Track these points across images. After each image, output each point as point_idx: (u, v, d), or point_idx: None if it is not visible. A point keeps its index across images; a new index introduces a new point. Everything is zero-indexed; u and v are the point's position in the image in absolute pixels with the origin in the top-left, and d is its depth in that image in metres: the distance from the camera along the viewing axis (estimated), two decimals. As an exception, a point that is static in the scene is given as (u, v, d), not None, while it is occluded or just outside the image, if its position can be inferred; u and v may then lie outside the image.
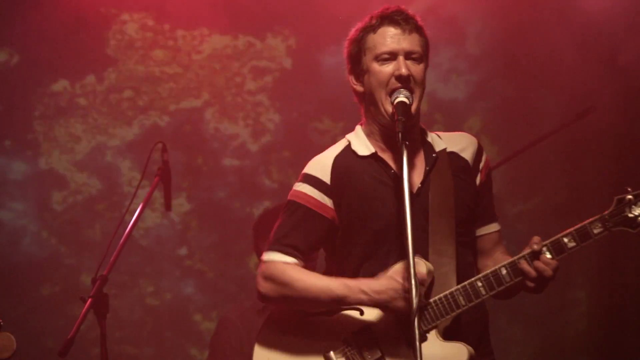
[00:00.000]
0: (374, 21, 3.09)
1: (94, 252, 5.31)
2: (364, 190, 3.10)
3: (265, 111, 5.89)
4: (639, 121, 5.66)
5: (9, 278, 5.83)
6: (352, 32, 3.15)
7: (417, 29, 3.09)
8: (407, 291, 2.90)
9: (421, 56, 3.07)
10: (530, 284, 2.96)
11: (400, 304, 2.95)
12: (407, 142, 2.91)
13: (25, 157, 6.00)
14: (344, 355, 3.07)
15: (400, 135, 2.91)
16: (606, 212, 2.91)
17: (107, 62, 5.87)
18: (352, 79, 3.14)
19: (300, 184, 3.15)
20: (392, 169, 3.09)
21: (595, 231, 2.92)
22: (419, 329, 2.79)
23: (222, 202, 6.13)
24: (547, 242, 2.96)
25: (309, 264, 3.20)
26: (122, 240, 4.30)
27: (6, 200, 5.98)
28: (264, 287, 3.12)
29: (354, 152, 3.14)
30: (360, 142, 3.15)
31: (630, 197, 2.89)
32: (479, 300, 2.99)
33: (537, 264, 2.94)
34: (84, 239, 6.00)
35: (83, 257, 5.83)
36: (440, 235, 3.03)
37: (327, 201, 3.12)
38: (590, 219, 2.93)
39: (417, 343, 2.78)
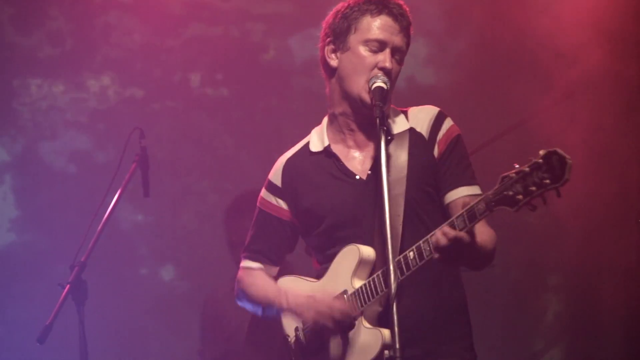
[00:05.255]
0: (372, 6, 3.08)
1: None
2: (314, 188, 3.17)
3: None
4: (610, 110, 5.66)
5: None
6: (344, 5, 3.13)
7: (408, 31, 3.12)
8: (317, 309, 3.07)
9: (402, 57, 3.11)
10: (435, 255, 2.84)
11: (305, 316, 3.13)
12: (385, 127, 2.92)
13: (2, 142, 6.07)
14: (295, 344, 3.22)
15: (378, 120, 2.93)
16: (490, 191, 2.74)
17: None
18: (327, 51, 3.13)
19: (263, 189, 3.29)
20: (342, 162, 3.15)
21: (479, 211, 2.76)
22: (394, 319, 2.80)
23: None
24: (449, 220, 2.86)
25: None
26: (99, 227, 4.31)
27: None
28: (235, 291, 3.37)
29: (308, 150, 3.21)
30: (318, 137, 3.21)
31: (513, 174, 2.69)
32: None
33: (437, 233, 2.84)
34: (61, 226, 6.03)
35: (60, 244, 5.77)
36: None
37: (282, 204, 3.24)
38: (478, 199, 2.78)
39: (396, 333, 2.79)
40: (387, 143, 3.05)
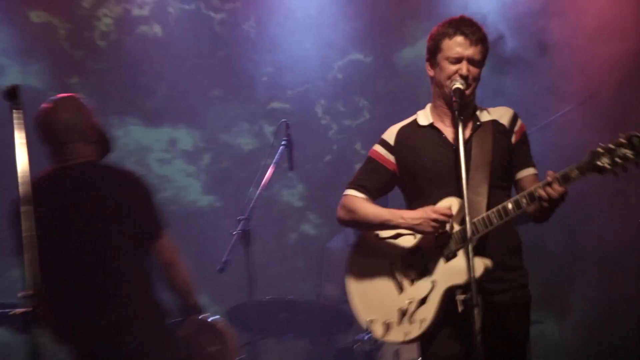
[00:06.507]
0: (450, 30, 3.59)
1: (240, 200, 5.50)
2: (420, 150, 3.67)
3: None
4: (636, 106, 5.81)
5: (184, 220, 6.62)
6: (434, 30, 3.64)
7: (482, 40, 3.60)
8: (434, 220, 3.48)
9: (480, 62, 3.60)
10: (545, 204, 3.38)
11: (425, 228, 3.51)
12: (462, 117, 3.48)
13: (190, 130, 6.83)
14: (401, 268, 3.64)
15: (456, 112, 3.49)
16: (582, 162, 3.32)
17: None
18: (428, 66, 3.68)
19: (376, 144, 3.77)
20: (444, 135, 3.65)
21: (573, 175, 3.33)
22: (471, 252, 3.28)
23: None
24: (546, 181, 3.36)
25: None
26: (258, 191, 4.98)
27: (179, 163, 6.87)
28: (339, 212, 3.74)
29: (417, 123, 3.74)
30: (424, 116, 3.72)
31: (600, 150, 3.28)
32: (488, 230, 3.44)
33: (548, 189, 3.36)
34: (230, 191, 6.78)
35: (232, 204, 6.50)
36: (477, 180, 3.50)
37: (391, 157, 3.73)
38: (570, 167, 3.34)
39: (471, 261, 3.26)
40: (477, 127, 3.62)
